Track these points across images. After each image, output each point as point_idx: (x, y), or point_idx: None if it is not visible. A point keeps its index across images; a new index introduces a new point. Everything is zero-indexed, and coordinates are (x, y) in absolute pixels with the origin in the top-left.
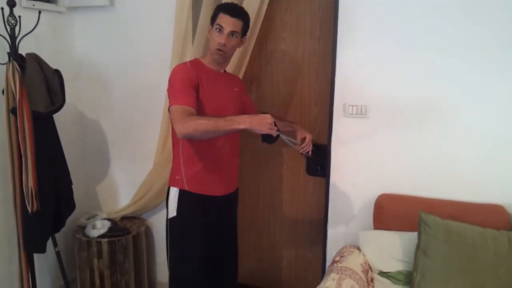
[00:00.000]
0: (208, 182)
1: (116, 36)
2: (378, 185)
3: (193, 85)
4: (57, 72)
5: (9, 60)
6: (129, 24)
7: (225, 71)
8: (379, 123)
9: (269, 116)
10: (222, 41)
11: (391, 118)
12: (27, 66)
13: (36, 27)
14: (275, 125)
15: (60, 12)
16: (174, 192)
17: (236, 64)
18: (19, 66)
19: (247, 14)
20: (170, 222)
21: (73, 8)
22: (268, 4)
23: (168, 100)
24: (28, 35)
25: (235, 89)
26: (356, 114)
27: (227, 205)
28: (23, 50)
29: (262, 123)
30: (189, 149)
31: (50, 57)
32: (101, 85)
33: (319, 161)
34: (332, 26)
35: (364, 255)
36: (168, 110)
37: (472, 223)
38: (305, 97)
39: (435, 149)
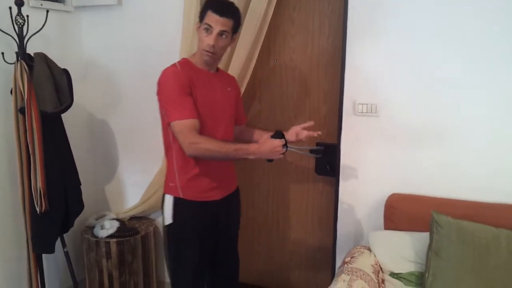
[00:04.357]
0: (204, 188)
1: (124, 35)
2: (389, 185)
3: (187, 91)
4: (65, 72)
5: (17, 60)
6: (137, 23)
7: (218, 70)
8: (390, 122)
9: (279, 144)
10: (211, 42)
11: (402, 117)
12: (35, 65)
13: (44, 27)
14: (285, 141)
15: (67, 12)
16: (168, 200)
17: (245, 61)
18: (27, 65)
19: (238, 11)
20: (167, 228)
21: (81, 7)
22: (277, 0)
23: (159, 103)
24: (36, 34)
25: (228, 88)
26: (366, 112)
27: (225, 207)
28: (31, 49)
29: (273, 152)
30: (183, 156)
31: (58, 56)
32: (109, 84)
33: (328, 160)
34: (341, 23)
35: (375, 256)
36: (168, 124)
37: (485, 223)
38: (314, 95)
39: (447, 147)
